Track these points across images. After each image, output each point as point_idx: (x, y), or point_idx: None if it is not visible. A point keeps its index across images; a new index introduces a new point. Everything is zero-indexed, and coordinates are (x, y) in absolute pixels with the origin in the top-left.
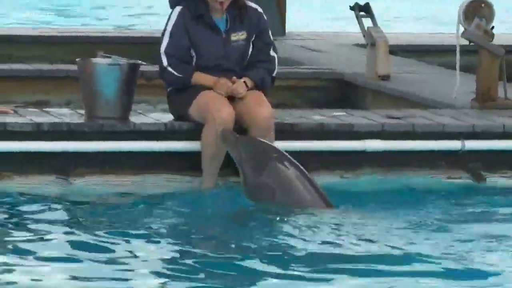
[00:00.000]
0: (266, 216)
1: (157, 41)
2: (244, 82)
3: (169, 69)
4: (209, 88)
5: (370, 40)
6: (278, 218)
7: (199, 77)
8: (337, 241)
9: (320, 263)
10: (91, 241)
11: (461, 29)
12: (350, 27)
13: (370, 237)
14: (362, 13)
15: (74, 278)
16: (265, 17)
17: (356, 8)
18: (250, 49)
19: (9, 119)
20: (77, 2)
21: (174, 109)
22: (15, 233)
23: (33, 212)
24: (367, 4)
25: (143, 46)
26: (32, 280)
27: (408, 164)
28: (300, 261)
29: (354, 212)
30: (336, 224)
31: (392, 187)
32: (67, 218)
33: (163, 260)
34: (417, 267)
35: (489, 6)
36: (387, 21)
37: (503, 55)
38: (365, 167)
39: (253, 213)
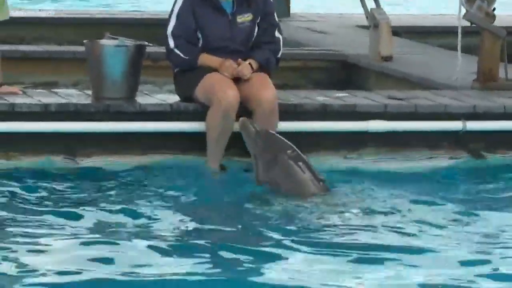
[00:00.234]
0: (270, 198)
1: (163, 22)
2: (249, 64)
3: (176, 50)
4: (215, 70)
5: (373, 22)
6: (283, 201)
7: (205, 59)
8: (338, 223)
9: (322, 245)
10: (97, 220)
11: (463, 10)
12: (353, 8)
13: (372, 218)
14: None
15: (80, 257)
16: None
17: None
18: (256, 31)
19: (18, 99)
20: None
21: (180, 90)
22: (23, 212)
23: (40, 192)
24: None
25: (150, 27)
26: (38, 257)
27: (411, 144)
28: (304, 242)
29: (356, 193)
30: (338, 206)
31: (394, 167)
32: (74, 197)
33: (168, 239)
34: (419, 246)
35: None
36: (390, 5)
37: (504, 37)
38: (368, 147)
39: (257, 195)
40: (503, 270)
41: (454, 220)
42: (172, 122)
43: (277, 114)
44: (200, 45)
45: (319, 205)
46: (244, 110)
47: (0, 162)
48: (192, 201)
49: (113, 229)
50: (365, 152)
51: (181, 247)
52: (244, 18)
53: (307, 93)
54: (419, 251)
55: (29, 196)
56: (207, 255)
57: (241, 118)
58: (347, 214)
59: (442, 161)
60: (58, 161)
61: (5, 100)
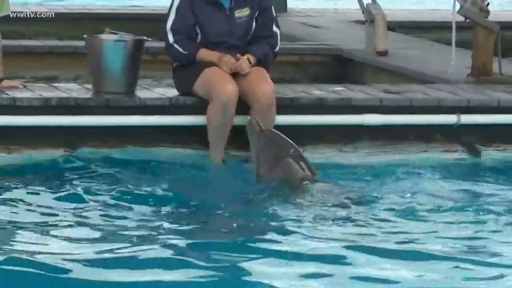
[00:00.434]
0: (270, 192)
1: (163, 18)
2: (248, 58)
3: (175, 45)
4: (214, 65)
5: (369, 17)
6: (283, 199)
7: (204, 53)
8: (335, 219)
9: (319, 241)
10: (97, 213)
11: (457, 6)
12: (349, 4)
13: (369, 212)
14: None
15: (80, 248)
16: None
17: None
18: (253, 25)
19: (19, 94)
20: None
21: (179, 85)
22: (23, 205)
23: (41, 185)
24: None
25: (149, 22)
26: (38, 248)
27: (406, 137)
28: (302, 239)
29: (352, 186)
30: (334, 203)
31: (389, 159)
32: (73, 190)
33: (168, 231)
34: (410, 237)
35: None
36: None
37: (498, 31)
38: (364, 140)
39: (258, 189)
40: (496, 260)
41: (447, 212)
42: (171, 116)
43: (274, 108)
44: (198, 40)
45: (317, 202)
46: (244, 104)
47: (1, 156)
48: (191, 194)
49: (112, 222)
50: (360, 145)
51: (179, 241)
52: (242, 13)
53: (304, 87)
54: (413, 243)
55: (30, 189)
56: (206, 249)
57: (249, 117)
58: (343, 209)
59: (436, 154)
60: (59, 154)
61: (7, 94)
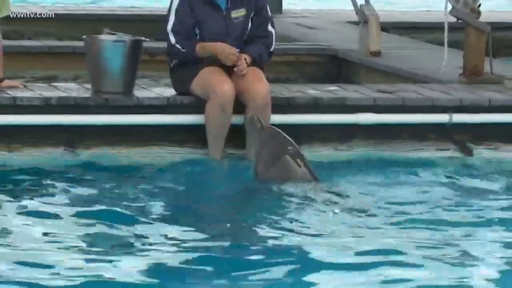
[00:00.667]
0: (268, 190)
1: (161, 18)
2: (244, 58)
3: (177, 46)
4: (212, 64)
5: (363, 18)
6: (280, 196)
7: (205, 48)
8: (332, 217)
9: (318, 237)
10: (95, 211)
11: (449, 6)
12: (344, 5)
13: (364, 211)
14: None
15: (79, 248)
16: None
17: None
18: (249, 26)
19: (19, 93)
20: None
21: (177, 85)
22: (24, 204)
23: (41, 183)
24: None
25: (148, 23)
26: (38, 248)
27: (399, 136)
28: (300, 237)
29: (346, 184)
30: (331, 200)
31: (383, 158)
32: (73, 189)
33: (167, 230)
34: (405, 237)
35: None
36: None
37: (489, 32)
38: (358, 139)
39: (256, 187)
40: (491, 256)
41: (440, 209)
42: (169, 115)
43: (269, 108)
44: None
45: (313, 200)
46: (240, 103)
47: (1, 155)
48: (189, 192)
49: (111, 220)
50: (355, 144)
51: (177, 239)
52: (238, 13)
53: (299, 86)
54: (406, 240)
55: (30, 188)
56: (205, 248)
57: (249, 114)
58: (339, 208)
59: (429, 152)
60: (58, 153)
61: (7, 93)
